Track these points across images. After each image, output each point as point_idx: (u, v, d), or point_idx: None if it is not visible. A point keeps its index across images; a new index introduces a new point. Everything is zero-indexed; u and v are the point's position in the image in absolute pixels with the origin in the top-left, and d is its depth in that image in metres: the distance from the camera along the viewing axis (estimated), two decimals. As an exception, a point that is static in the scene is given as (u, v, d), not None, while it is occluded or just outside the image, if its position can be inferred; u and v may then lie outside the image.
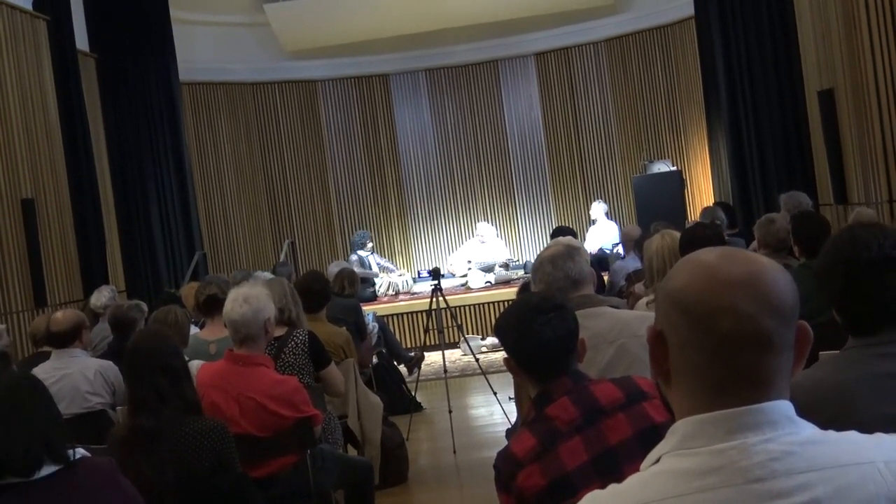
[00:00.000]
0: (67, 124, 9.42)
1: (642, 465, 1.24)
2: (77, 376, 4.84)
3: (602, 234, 11.90)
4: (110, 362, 5.00)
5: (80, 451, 2.54)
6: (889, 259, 2.08)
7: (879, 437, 1.21)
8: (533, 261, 3.65)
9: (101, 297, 7.03)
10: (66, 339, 4.96)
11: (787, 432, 1.16)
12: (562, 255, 3.17)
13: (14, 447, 2.39)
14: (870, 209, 6.22)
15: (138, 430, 3.23)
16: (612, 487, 1.24)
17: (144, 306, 5.87)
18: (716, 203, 9.53)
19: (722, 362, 1.18)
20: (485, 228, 12.33)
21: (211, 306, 5.17)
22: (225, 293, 4.75)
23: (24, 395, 2.53)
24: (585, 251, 3.44)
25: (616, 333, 3.00)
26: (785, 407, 1.19)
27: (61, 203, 9.15)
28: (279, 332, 4.44)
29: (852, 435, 1.21)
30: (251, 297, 3.96)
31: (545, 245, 3.73)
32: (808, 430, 1.19)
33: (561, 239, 3.49)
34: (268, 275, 7.31)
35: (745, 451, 1.14)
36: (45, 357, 5.08)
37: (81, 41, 10.25)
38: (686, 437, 1.19)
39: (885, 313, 2.07)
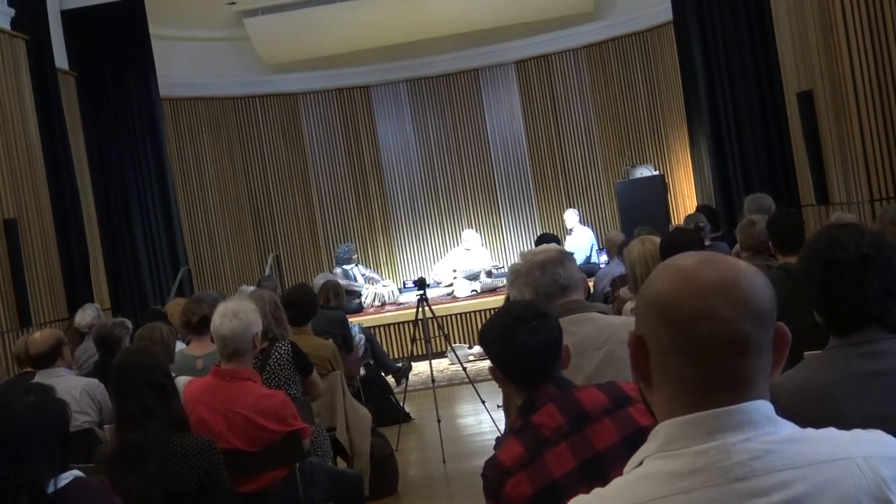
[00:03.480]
0: (48, 143, 9.38)
1: (626, 469, 1.25)
2: (62, 395, 4.80)
3: (579, 240, 11.92)
4: (96, 380, 4.99)
5: (74, 472, 2.53)
6: (866, 259, 2.09)
7: (857, 434, 1.23)
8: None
9: (86, 315, 7.00)
10: (46, 359, 4.97)
11: (766, 431, 1.18)
12: (552, 261, 3.15)
13: None
14: (849, 213, 6.20)
15: (126, 446, 3.22)
16: (597, 491, 1.25)
17: (129, 324, 5.84)
18: (698, 207, 9.56)
19: (701, 366, 1.19)
20: (470, 235, 12.32)
21: (202, 326, 5.14)
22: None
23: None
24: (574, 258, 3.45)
25: (604, 339, 3.00)
26: (764, 407, 1.20)
27: (44, 222, 9.12)
28: (261, 345, 4.43)
29: (831, 432, 1.22)
30: (240, 311, 3.95)
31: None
32: (788, 428, 1.20)
33: (551, 245, 3.48)
34: (253, 289, 7.28)
35: (726, 451, 1.16)
36: (30, 377, 5.04)
37: (61, 60, 10.23)
38: (668, 439, 1.20)
39: (864, 313, 2.08)
